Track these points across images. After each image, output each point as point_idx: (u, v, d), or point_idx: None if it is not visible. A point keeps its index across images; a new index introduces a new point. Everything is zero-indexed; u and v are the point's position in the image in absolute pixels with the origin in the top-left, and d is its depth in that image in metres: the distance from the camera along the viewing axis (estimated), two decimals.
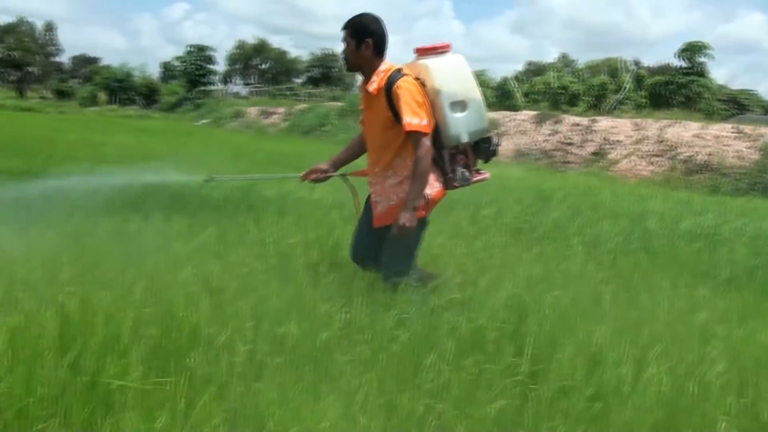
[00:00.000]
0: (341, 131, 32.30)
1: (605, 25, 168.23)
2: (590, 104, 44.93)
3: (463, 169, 4.74)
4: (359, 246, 5.01)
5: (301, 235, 6.68)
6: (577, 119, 27.21)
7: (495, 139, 4.89)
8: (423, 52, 4.75)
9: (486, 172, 4.96)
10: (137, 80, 72.96)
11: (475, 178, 4.84)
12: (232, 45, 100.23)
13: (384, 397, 3.26)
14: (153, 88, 71.53)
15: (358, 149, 5.14)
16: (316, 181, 5.15)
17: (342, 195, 10.49)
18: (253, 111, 44.06)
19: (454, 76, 4.65)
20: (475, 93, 4.71)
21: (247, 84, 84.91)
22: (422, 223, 4.66)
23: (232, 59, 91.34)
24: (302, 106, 42.70)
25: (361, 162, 5.05)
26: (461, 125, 4.63)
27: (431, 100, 4.57)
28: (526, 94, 47.87)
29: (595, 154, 24.31)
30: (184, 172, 7.58)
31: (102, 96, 70.46)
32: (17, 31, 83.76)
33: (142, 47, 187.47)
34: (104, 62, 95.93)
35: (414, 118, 4.39)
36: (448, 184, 4.72)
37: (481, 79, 55.68)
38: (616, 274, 6.23)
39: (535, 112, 29.83)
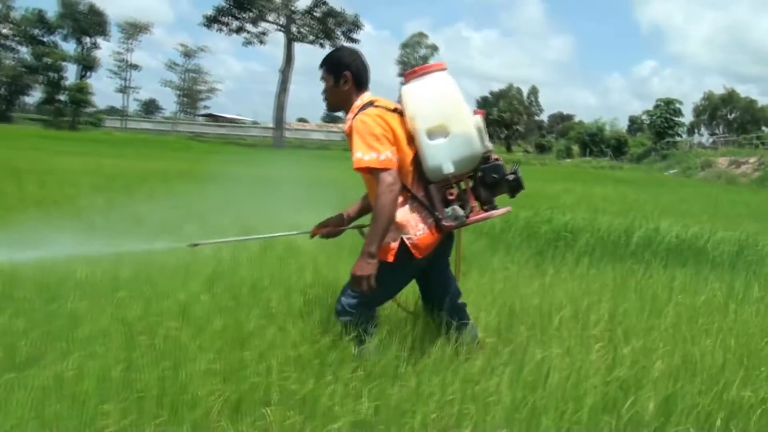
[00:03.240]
0: None
1: None
2: None
3: (455, 207, 3.65)
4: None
5: None
6: None
7: (506, 168, 3.77)
8: (407, 76, 3.84)
9: (500, 209, 3.79)
10: (607, 134, 73.26)
11: (476, 217, 3.72)
12: (698, 97, 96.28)
13: None
14: (622, 140, 71.10)
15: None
16: (328, 236, 4.23)
17: None
18: (722, 161, 41.45)
19: (429, 99, 3.68)
20: (458, 116, 3.66)
21: (713, 134, 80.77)
22: (394, 269, 3.65)
23: (699, 110, 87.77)
24: None
25: None
26: (441, 154, 3.61)
27: (411, 129, 3.67)
28: None
29: None
30: None
31: (575, 149, 72.07)
32: (507, 95, 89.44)
33: (612, 103, 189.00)
34: (577, 119, 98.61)
35: (367, 154, 3.47)
36: (438, 224, 3.66)
37: None
38: None
39: None
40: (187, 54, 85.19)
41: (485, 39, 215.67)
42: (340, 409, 3.09)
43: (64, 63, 79.28)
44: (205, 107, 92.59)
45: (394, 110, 3.70)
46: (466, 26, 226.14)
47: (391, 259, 3.62)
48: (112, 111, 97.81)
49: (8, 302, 4.25)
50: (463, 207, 3.66)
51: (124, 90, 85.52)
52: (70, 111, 77.81)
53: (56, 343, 3.59)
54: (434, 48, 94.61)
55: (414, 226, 3.62)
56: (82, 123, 74.56)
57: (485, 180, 3.72)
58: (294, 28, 55.12)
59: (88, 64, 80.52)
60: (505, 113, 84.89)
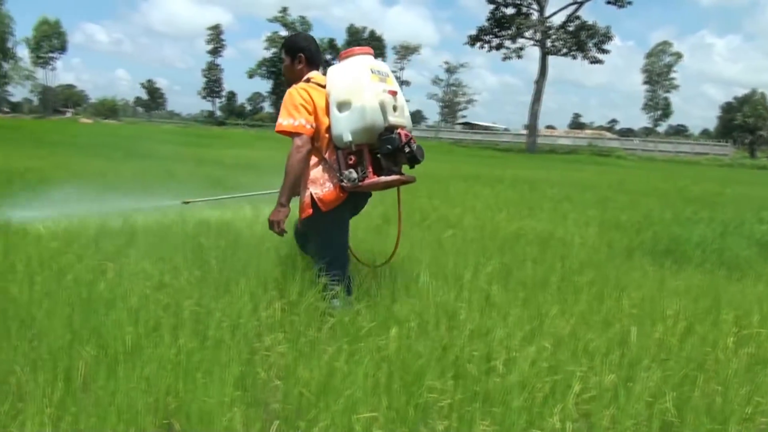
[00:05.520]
0: None
1: None
2: None
3: (349, 170, 3.77)
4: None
5: None
6: None
7: (398, 140, 3.74)
8: (340, 57, 4.06)
9: (389, 176, 3.79)
10: None
11: (369, 181, 3.77)
12: None
13: None
14: None
15: None
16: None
17: None
18: None
19: (342, 78, 3.87)
20: (360, 93, 3.77)
21: None
22: (320, 220, 3.90)
23: None
24: None
25: None
26: (341, 124, 3.79)
27: (329, 102, 3.89)
28: None
29: None
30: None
31: None
32: (751, 101, 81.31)
33: None
34: None
35: (285, 120, 3.80)
36: (341, 184, 3.82)
37: None
38: None
39: None
40: (450, 70, 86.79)
41: (729, 44, 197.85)
42: (638, 405, 2.78)
43: None
44: (463, 116, 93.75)
45: (324, 86, 3.93)
46: (710, 33, 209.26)
47: (310, 212, 3.88)
48: None
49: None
50: (363, 172, 3.77)
51: None
52: None
53: (377, 317, 3.61)
54: (678, 56, 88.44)
55: (322, 184, 3.86)
56: None
57: (381, 149, 3.82)
58: (549, 43, 53.78)
59: None
60: (750, 118, 77.15)
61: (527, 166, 27.34)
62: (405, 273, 4.62)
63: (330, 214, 3.90)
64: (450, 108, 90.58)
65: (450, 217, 8.01)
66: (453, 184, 13.46)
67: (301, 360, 3.03)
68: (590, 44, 53.49)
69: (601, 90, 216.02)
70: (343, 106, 3.81)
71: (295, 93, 3.86)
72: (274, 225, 3.87)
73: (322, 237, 3.97)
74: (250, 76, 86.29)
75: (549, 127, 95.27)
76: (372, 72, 3.88)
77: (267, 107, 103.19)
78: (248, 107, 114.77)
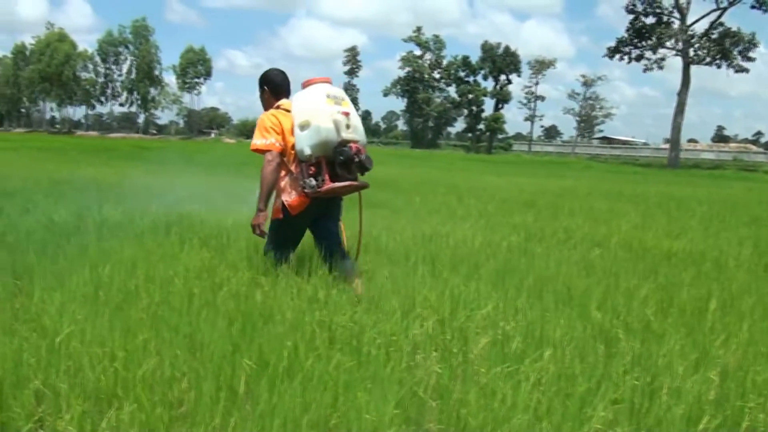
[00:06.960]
0: None
1: None
2: None
3: (309, 179, 4.40)
4: None
5: None
6: None
7: (349, 152, 4.38)
8: (303, 85, 4.63)
9: (343, 182, 4.43)
10: None
11: (326, 187, 4.38)
12: None
13: None
14: None
15: None
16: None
17: None
18: None
19: (302, 103, 4.50)
20: (316, 114, 4.39)
21: None
22: (282, 222, 4.59)
23: None
24: None
25: None
26: (302, 141, 4.41)
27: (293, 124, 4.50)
28: None
29: None
30: None
31: None
32: None
33: None
34: None
35: (258, 140, 4.50)
36: (304, 191, 4.42)
37: None
38: None
39: None
40: (587, 83, 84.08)
41: None
42: None
43: (483, 98, 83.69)
44: (600, 131, 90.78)
45: (290, 111, 4.54)
46: None
47: (280, 216, 4.55)
48: (518, 137, 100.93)
49: (492, 295, 4.28)
50: (321, 179, 4.37)
51: (530, 118, 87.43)
52: (486, 138, 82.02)
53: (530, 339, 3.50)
54: None
55: (289, 192, 4.49)
56: (495, 148, 78.05)
57: (336, 160, 4.40)
58: (691, 52, 51.11)
59: (502, 98, 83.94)
60: None
61: (671, 182, 26.01)
62: (554, 293, 4.50)
63: (295, 220, 4.55)
64: (587, 122, 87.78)
65: (595, 235, 7.72)
66: (595, 202, 13.00)
67: (455, 380, 2.98)
68: (735, 52, 50.39)
69: (745, 100, 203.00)
70: (303, 126, 4.39)
71: (265, 118, 4.59)
72: (255, 228, 4.53)
73: (278, 233, 4.64)
74: (385, 95, 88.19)
75: (691, 140, 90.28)
76: (328, 97, 4.48)
77: (401, 125, 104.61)
78: (383, 125, 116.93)
